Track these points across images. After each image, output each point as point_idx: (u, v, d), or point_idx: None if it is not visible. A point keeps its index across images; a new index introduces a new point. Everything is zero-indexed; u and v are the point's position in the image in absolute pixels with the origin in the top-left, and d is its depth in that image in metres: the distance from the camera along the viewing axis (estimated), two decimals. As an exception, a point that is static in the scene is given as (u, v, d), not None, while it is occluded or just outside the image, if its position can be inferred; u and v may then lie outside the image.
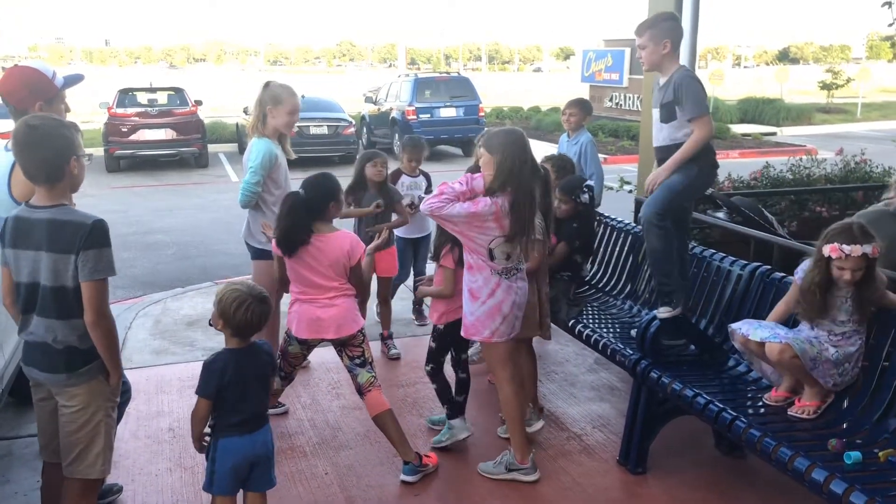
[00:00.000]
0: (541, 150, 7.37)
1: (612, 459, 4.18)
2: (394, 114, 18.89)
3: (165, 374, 5.35)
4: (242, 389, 3.03)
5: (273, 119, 4.62)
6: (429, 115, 18.33)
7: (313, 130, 16.73)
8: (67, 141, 2.84)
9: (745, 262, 4.28)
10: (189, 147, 16.88)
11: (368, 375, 3.92)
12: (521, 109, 26.84)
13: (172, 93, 18.05)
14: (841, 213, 6.20)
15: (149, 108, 17.03)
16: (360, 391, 3.93)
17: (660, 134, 4.10)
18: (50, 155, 2.79)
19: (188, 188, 14.61)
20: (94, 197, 12.88)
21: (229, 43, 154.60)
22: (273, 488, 3.24)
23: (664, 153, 4.04)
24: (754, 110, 25.58)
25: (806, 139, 21.36)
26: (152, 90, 18.27)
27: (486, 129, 18.31)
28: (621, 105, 20.50)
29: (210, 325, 3.13)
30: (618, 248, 5.39)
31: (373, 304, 5.89)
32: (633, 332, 4.35)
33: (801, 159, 7.68)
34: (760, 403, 3.58)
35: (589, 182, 4.83)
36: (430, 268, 4.61)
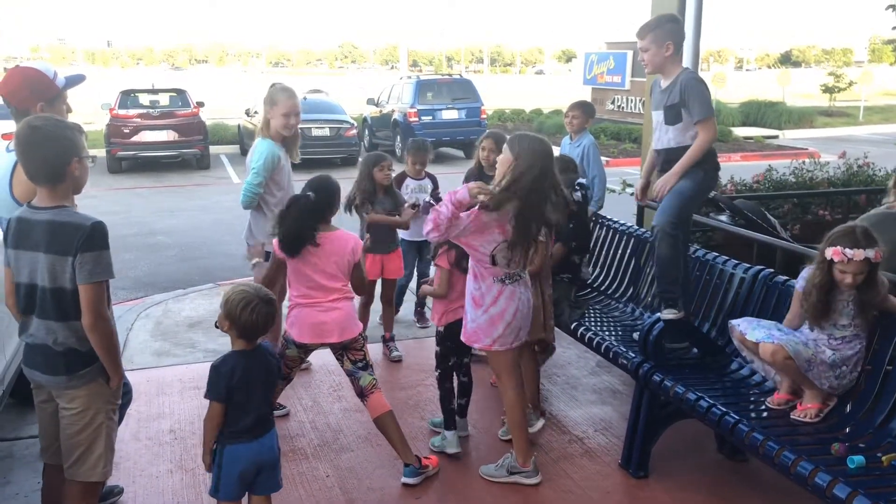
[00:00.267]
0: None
1: (613, 463, 4.17)
2: (395, 116, 18.89)
3: (166, 376, 5.35)
4: (249, 392, 3.02)
5: (272, 121, 4.64)
6: (431, 118, 18.32)
7: (315, 132, 16.72)
8: (69, 142, 2.83)
9: (748, 265, 4.27)
10: (191, 148, 16.89)
11: (370, 378, 3.91)
12: (522, 112, 26.82)
13: (174, 94, 18.07)
14: (844, 217, 6.20)
15: (151, 110, 17.05)
16: (362, 393, 3.92)
17: (664, 136, 4.09)
18: (51, 156, 2.79)
19: (190, 189, 14.62)
20: (96, 198, 12.89)
21: (231, 44, 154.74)
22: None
23: (670, 155, 4.04)
24: (756, 113, 25.57)
25: (808, 142, 21.35)
26: (154, 92, 18.29)
27: (487, 129, 18.38)
28: (623, 108, 20.47)
29: (217, 326, 3.12)
30: (620, 251, 5.38)
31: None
32: (636, 335, 4.34)
33: (803, 162, 7.69)
34: (763, 407, 3.57)
35: (581, 180, 4.81)
36: (434, 270, 4.60)
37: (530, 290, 3.89)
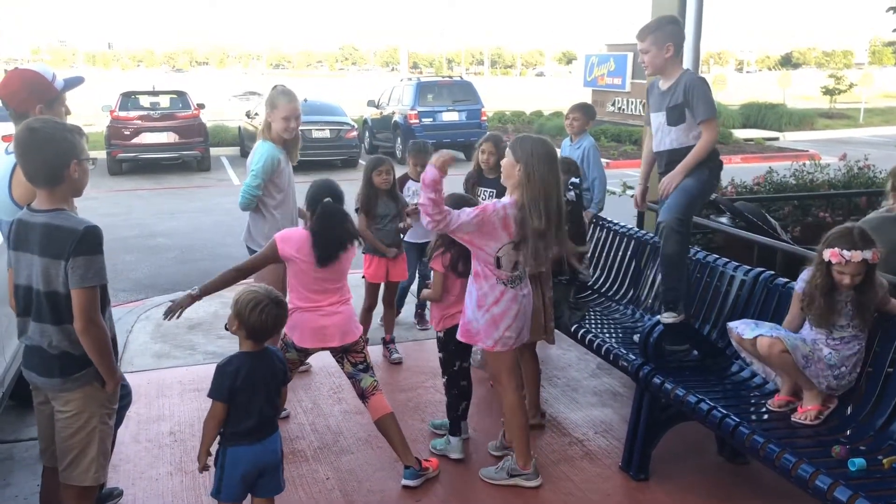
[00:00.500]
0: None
1: (614, 465, 4.16)
2: (396, 118, 18.90)
3: (166, 378, 5.34)
4: (253, 393, 3.01)
5: (273, 124, 4.64)
6: (431, 119, 18.33)
7: (315, 134, 16.73)
8: (68, 144, 2.82)
9: (749, 267, 4.27)
10: (191, 150, 16.90)
11: (371, 380, 3.91)
12: (523, 114, 26.83)
13: (175, 96, 18.08)
14: (844, 219, 6.19)
15: (151, 112, 17.07)
16: (364, 395, 3.91)
17: (666, 137, 4.10)
18: (50, 158, 2.78)
19: (190, 191, 14.62)
20: (97, 200, 12.89)
21: (231, 46, 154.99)
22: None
23: (673, 157, 4.06)
24: (757, 115, 25.58)
25: (809, 144, 21.36)
26: (155, 94, 18.30)
27: (487, 131, 18.38)
28: (624, 109, 20.43)
29: (226, 328, 3.11)
30: (620, 253, 5.37)
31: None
32: (636, 338, 4.34)
33: (804, 164, 7.68)
34: (764, 409, 3.56)
35: (574, 180, 4.81)
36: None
37: (530, 290, 3.88)
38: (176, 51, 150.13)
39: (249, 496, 3.15)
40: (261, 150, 4.64)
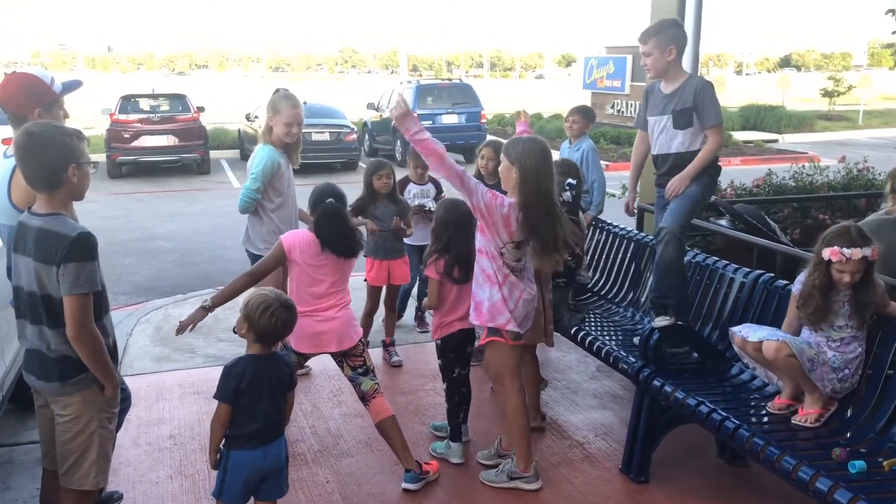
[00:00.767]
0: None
1: (614, 468, 4.16)
2: (396, 120, 18.85)
3: (166, 381, 5.34)
4: (258, 397, 3.01)
5: (275, 128, 4.65)
6: (431, 122, 18.30)
7: (315, 137, 16.72)
8: (67, 148, 2.82)
9: (748, 269, 4.27)
10: (191, 153, 16.88)
11: (371, 383, 3.91)
12: (522, 116, 26.80)
13: (175, 99, 18.07)
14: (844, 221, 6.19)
15: (151, 115, 17.05)
16: (364, 398, 3.91)
17: (671, 141, 4.12)
18: (48, 162, 2.78)
19: (190, 194, 14.62)
20: (96, 203, 12.88)
21: (231, 49, 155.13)
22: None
23: (679, 160, 4.08)
24: (756, 117, 25.59)
25: (808, 146, 21.36)
26: (154, 96, 18.30)
27: (486, 133, 18.39)
28: (623, 112, 20.43)
29: (234, 331, 3.11)
30: (620, 256, 5.38)
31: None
32: (636, 340, 4.34)
33: (803, 166, 7.69)
34: (764, 412, 3.56)
35: (570, 181, 4.82)
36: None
37: (535, 288, 3.87)
38: (175, 54, 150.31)
39: (252, 499, 3.15)
40: (261, 154, 4.64)
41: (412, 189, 5.96)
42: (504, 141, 3.95)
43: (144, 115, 16.94)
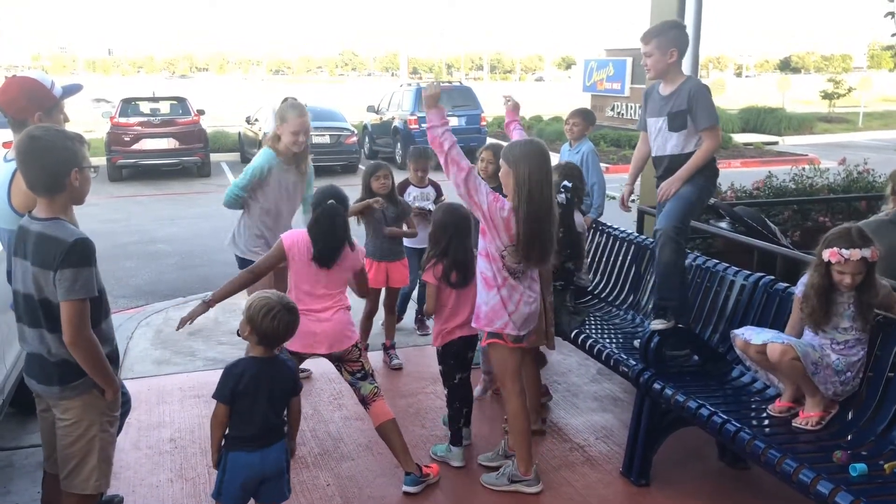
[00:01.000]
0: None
1: (615, 471, 4.16)
2: (396, 123, 18.90)
3: (166, 385, 5.33)
4: (256, 399, 3.01)
5: (282, 137, 4.70)
6: (431, 124, 18.31)
7: (315, 140, 16.72)
8: (69, 153, 2.82)
9: (749, 272, 4.27)
10: (191, 156, 16.90)
11: (371, 387, 3.90)
12: (522, 119, 26.76)
13: (175, 102, 18.09)
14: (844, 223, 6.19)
15: (151, 118, 17.07)
16: (365, 401, 3.91)
17: (667, 143, 4.11)
18: (50, 166, 2.78)
19: (190, 197, 14.63)
20: (97, 206, 12.89)
21: (231, 52, 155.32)
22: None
23: (674, 163, 4.07)
24: (756, 119, 25.61)
25: (808, 148, 21.36)
26: (155, 100, 18.32)
27: (487, 136, 18.39)
28: (623, 114, 20.44)
29: (237, 334, 3.11)
30: (620, 258, 5.38)
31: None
32: (636, 343, 4.33)
33: (803, 169, 7.69)
34: (764, 414, 3.56)
35: (566, 183, 4.82)
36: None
37: (537, 287, 3.87)
38: (176, 57, 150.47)
39: (253, 501, 3.15)
40: (259, 156, 4.74)
41: (412, 192, 5.95)
42: (504, 144, 3.96)
43: (145, 119, 16.95)
